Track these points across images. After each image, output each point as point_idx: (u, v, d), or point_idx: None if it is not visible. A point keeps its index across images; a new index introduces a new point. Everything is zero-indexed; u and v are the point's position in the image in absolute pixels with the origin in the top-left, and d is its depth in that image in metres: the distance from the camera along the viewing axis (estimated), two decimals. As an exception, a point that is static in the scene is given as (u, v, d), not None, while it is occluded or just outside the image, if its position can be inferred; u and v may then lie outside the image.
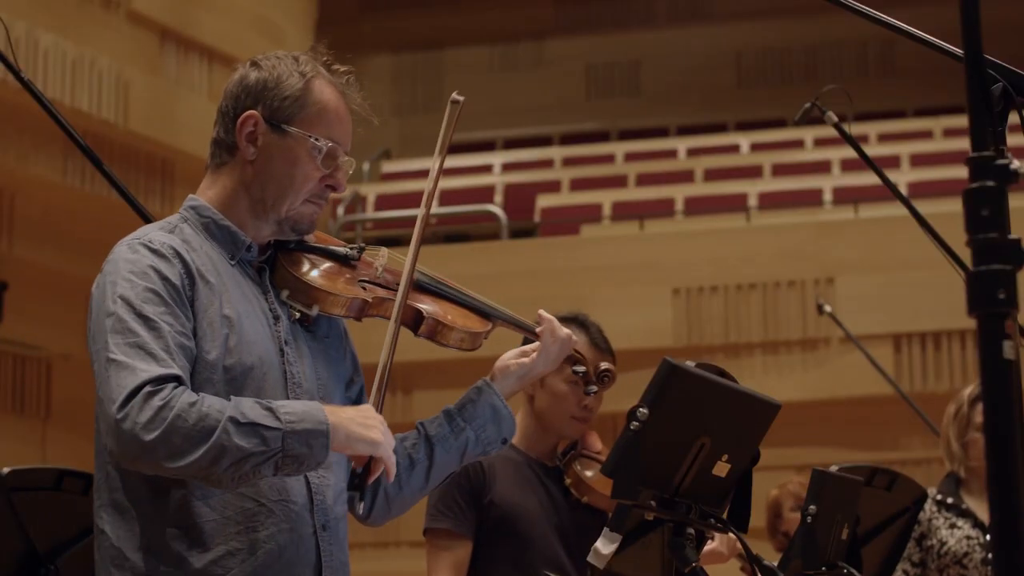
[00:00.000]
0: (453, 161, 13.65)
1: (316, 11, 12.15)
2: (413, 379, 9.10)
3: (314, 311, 2.61)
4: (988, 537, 4.73)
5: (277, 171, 2.60)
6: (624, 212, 10.91)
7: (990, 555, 4.64)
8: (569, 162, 13.08)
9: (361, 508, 2.74)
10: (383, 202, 12.21)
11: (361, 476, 2.48)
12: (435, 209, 11.97)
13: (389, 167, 13.61)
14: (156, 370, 2.35)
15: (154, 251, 2.49)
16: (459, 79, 15.35)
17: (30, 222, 9.09)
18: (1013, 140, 1.84)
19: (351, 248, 2.70)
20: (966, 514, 4.81)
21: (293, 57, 2.67)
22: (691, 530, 2.61)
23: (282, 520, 2.49)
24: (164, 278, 2.46)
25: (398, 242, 11.50)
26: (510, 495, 3.82)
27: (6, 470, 3.22)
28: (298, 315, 2.62)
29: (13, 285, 8.99)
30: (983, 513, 4.81)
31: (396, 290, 2.67)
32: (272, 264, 2.64)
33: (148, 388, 2.33)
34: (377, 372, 2.57)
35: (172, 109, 9.78)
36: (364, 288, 2.65)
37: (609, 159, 13.10)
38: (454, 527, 3.78)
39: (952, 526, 4.79)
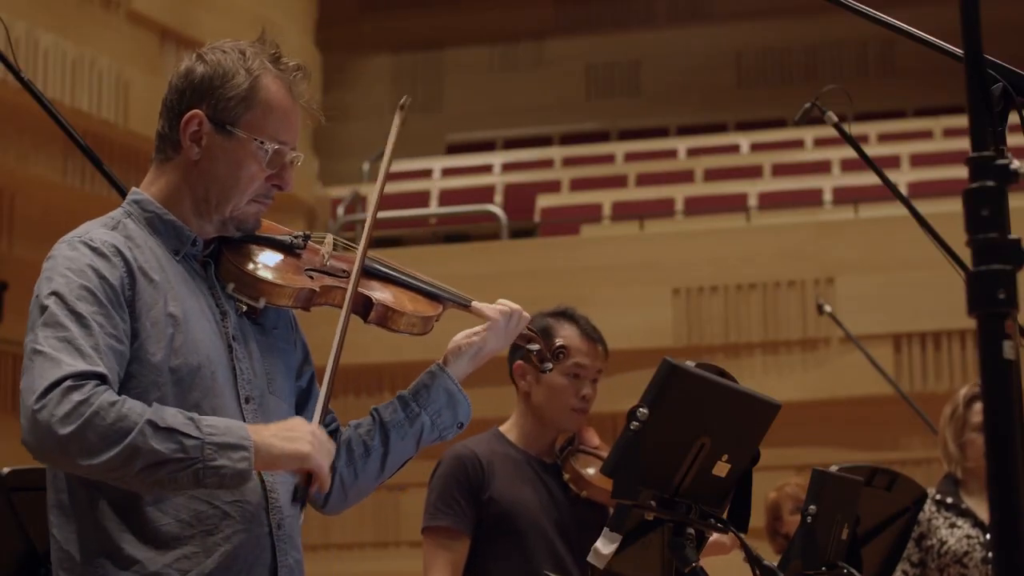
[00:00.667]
0: (453, 161, 13.66)
1: (316, 11, 12.15)
2: (411, 378, 9.09)
3: (261, 303, 2.58)
4: (988, 536, 4.74)
5: (221, 172, 2.55)
6: (624, 212, 10.91)
7: (990, 554, 4.65)
8: (569, 162, 13.08)
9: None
10: (383, 202, 12.17)
11: (301, 489, 2.41)
12: (435, 209, 12.01)
13: (389, 167, 13.58)
14: (81, 366, 2.31)
15: (94, 249, 2.45)
16: (459, 79, 15.36)
17: (30, 222, 9.09)
18: (1013, 140, 1.84)
19: (296, 237, 2.65)
20: (966, 513, 4.82)
21: (240, 51, 2.60)
22: (691, 530, 2.61)
23: (238, 522, 2.46)
24: (102, 277, 2.42)
25: (398, 242, 11.52)
26: (509, 492, 3.82)
27: (6, 470, 3.22)
28: (245, 308, 2.58)
29: (13, 285, 8.99)
30: (983, 512, 4.82)
31: (343, 277, 2.63)
32: (217, 257, 2.60)
33: (70, 382, 2.29)
34: (327, 369, 2.51)
35: (172, 109, 9.77)
36: (311, 277, 2.61)
37: (609, 159, 13.10)
38: (454, 524, 3.78)
39: (952, 525, 4.79)
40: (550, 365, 2.97)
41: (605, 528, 2.54)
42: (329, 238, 2.72)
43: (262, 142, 2.56)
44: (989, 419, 1.64)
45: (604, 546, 2.51)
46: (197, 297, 2.53)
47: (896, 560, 3.80)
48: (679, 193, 11.32)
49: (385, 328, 2.71)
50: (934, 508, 4.80)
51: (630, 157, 12.98)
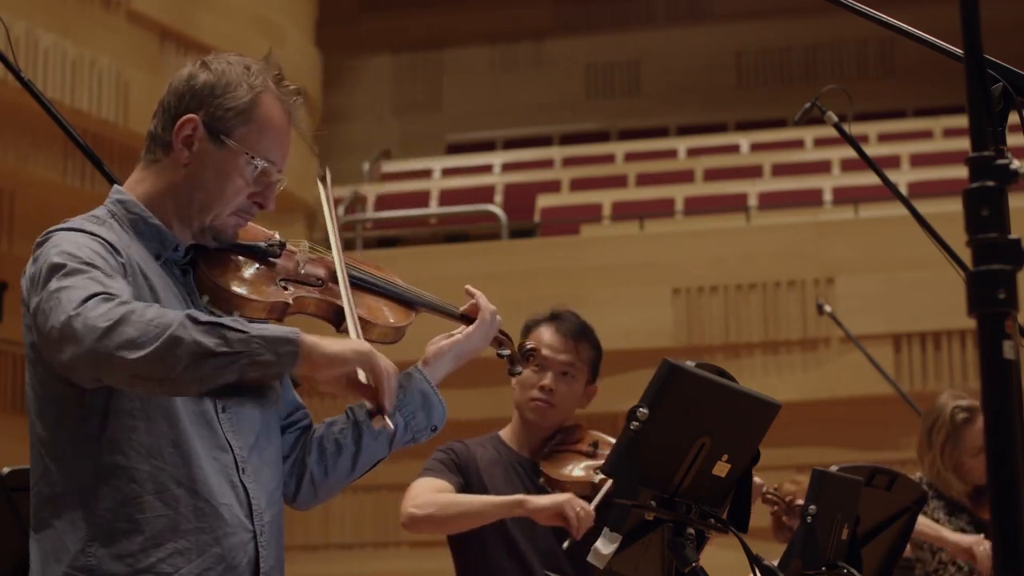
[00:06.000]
0: (453, 161, 13.66)
1: (316, 11, 12.14)
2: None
3: (235, 316, 2.55)
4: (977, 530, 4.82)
5: (207, 180, 2.55)
6: (624, 212, 10.91)
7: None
8: (569, 162, 13.08)
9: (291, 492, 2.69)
10: (383, 202, 12.21)
11: (373, 408, 2.37)
12: (435, 209, 12.01)
13: (389, 167, 13.60)
14: (107, 289, 2.30)
15: (92, 235, 2.46)
16: (459, 79, 15.36)
17: (30, 222, 9.08)
18: (1013, 140, 1.84)
19: (271, 244, 2.63)
20: (964, 510, 4.88)
21: (245, 65, 2.60)
22: (691, 530, 2.61)
23: (228, 524, 2.45)
24: (109, 253, 2.42)
25: (398, 242, 11.52)
26: (501, 489, 3.83)
27: (6, 470, 3.21)
28: None
29: (13, 285, 8.99)
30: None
31: (318, 286, 2.63)
32: (194, 266, 2.60)
33: (102, 296, 2.28)
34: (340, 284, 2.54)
35: (172, 109, 9.77)
36: (285, 288, 2.60)
37: (609, 159, 13.11)
38: (432, 476, 3.82)
39: (950, 514, 4.85)
40: (519, 368, 2.96)
41: (605, 528, 2.54)
42: (304, 244, 2.70)
43: (252, 157, 2.55)
44: (989, 419, 1.64)
45: (604, 546, 2.51)
46: (179, 303, 2.52)
47: (896, 560, 3.80)
48: (679, 193, 11.32)
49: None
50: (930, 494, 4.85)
51: (630, 157, 12.98)
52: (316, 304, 2.61)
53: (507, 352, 2.92)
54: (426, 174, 13.12)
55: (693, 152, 12.89)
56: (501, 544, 3.83)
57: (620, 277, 9.50)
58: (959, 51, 1.75)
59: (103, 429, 2.42)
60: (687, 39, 15.27)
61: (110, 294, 2.29)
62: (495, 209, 11.02)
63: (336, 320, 2.64)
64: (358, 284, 2.71)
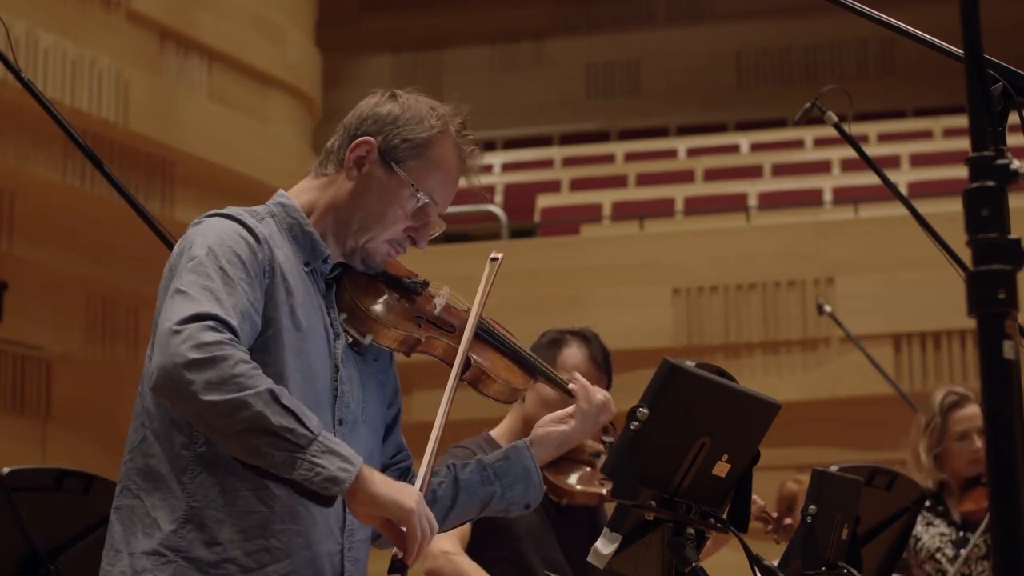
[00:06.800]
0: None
1: (316, 11, 12.15)
2: (412, 379, 9.10)
3: (367, 340, 2.62)
4: (960, 534, 4.91)
5: (370, 203, 2.62)
6: (624, 212, 10.91)
7: (961, 551, 4.78)
8: (569, 162, 13.09)
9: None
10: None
11: (399, 562, 2.42)
12: (435, 209, 12.00)
13: (389, 167, 13.61)
14: (220, 313, 2.35)
15: (246, 227, 2.51)
16: (459, 79, 15.36)
17: (30, 222, 9.09)
18: (1013, 140, 1.84)
19: (415, 282, 2.71)
20: (943, 515, 4.97)
21: (431, 106, 2.68)
22: (691, 530, 2.61)
23: (319, 531, 2.49)
24: (252, 252, 2.47)
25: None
26: None
27: (6, 470, 3.22)
28: (351, 340, 2.62)
29: (13, 285, 8.99)
30: (956, 513, 5.00)
31: (450, 332, 2.70)
32: (337, 282, 2.65)
33: (212, 322, 2.32)
34: (431, 439, 2.55)
35: (172, 109, 9.79)
36: (419, 326, 2.67)
37: (609, 159, 13.11)
38: None
39: (928, 524, 4.90)
40: (609, 438, 3.04)
41: (605, 528, 2.54)
42: (446, 289, 2.77)
43: (417, 190, 2.61)
44: (989, 419, 1.64)
45: (604, 546, 2.51)
46: (317, 312, 2.57)
47: (896, 560, 3.80)
48: (679, 193, 11.32)
49: (475, 389, 2.76)
50: None
51: (630, 157, 12.98)
52: (444, 349, 2.68)
53: (610, 440, 2.98)
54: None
55: (693, 152, 12.90)
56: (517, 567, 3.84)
57: (620, 277, 9.50)
58: (959, 51, 1.75)
59: None
60: (687, 39, 15.28)
61: (220, 323, 2.33)
62: (495, 209, 11.02)
63: (459, 369, 2.70)
64: (487, 340, 2.78)
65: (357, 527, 2.56)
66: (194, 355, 2.28)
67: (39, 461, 7.94)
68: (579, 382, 2.88)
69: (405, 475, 2.76)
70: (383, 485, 2.37)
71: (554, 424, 2.85)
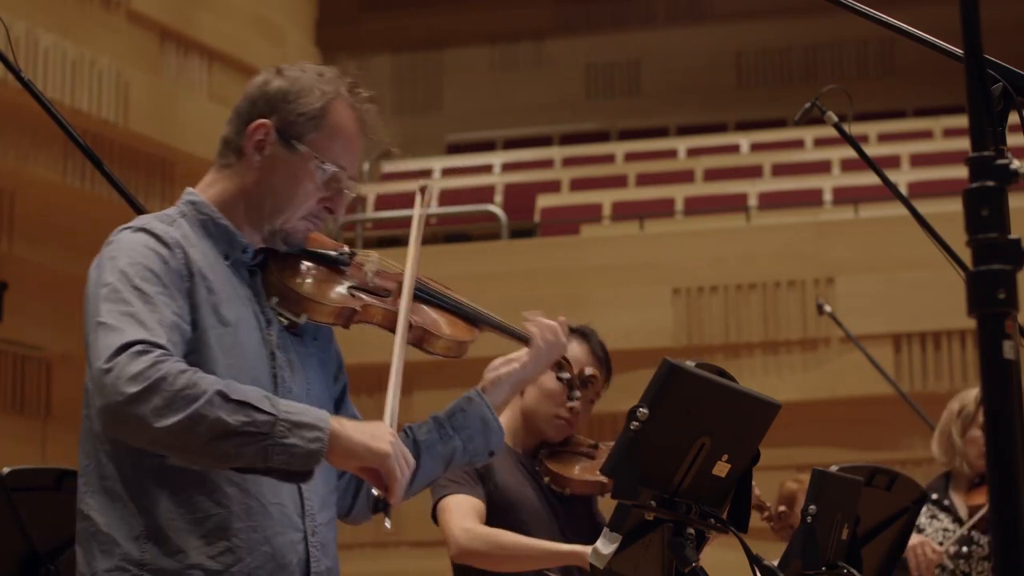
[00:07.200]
0: (453, 161, 13.66)
1: (316, 11, 12.14)
2: (413, 379, 9.10)
3: (302, 319, 2.60)
4: (963, 530, 4.99)
5: (278, 185, 2.59)
6: (624, 212, 10.92)
7: (963, 548, 4.82)
8: (569, 162, 13.08)
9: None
10: (383, 202, 12.21)
11: (383, 501, 2.40)
12: (435, 209, 12.00)
13: (389, 167, 13.61)
14: (145, 336, 2.33)
15: (156, 237, 2.49)
16: (459, 79, 15.36)
17: (30, 222, 9.09)
18: (1013, 140, 1.84)
19: (341, 253, 2.67)
20: (947, 509, 5.04)
21: (318, 72, 2.64)
22: (691, 530, 2.61)
23: (278, 524, 2.48)
24: (165, 263, 2.45)
25: (397, 242, 11.50)
26: (511, 483, 3.84)
27: (6, 470, 3.22)
28: (286, 322, 2.60)
29: (13, 285, 8.99)
30: (963, 509, 5.08)
31: (385, 297, 2.66)
32: (262, 268, 2.62)
33: (139, 347, 2.30)
34: (389, 389, 2.53)
35: (172, 109, 9.79)
36: (353, 296, 2.63)
37: (609, 159, 13.11)
38: (463, 492, 3.77)
39: (932, 517, 4.94)
40: (577, 394, 3.01)
41: (605, 528, 2.54)
42: (374, 256, 2.74)
43: (322, 162, 2.59)
44: (989, 419, 1.64)
45: (604, 546, 2.51)
46: (244, 303, 2.55)
47: (896, 560, 3.80)
48: (679, 193, 11.32)
49: (421, 349, 2.73)
50: None
51: (630, 157, 12.98)
52: (383, 315, 2.65)
53: (567, 376, 2.95)
54: (426, 174, 13.12)
55: (693, 152, 12.89)
56: None
57: (620, 277, 9.50)
58: (959, 51, 1.75)
59: None
60: (687, 39, 15.28)
61: (147, 344, 2.31)
62: (495, 209, 11.02)
63: (406, 331, 2.67)
64: (424, 298, 2.74)
65: (317, 510, 2.54)
66: (131, 389, 2.27)
67: (39, 461, 7.93)
68: (533, 321, 2.84)
69: None
70: (356, 433, 2.36)
71: (504, 366, 2.82)
